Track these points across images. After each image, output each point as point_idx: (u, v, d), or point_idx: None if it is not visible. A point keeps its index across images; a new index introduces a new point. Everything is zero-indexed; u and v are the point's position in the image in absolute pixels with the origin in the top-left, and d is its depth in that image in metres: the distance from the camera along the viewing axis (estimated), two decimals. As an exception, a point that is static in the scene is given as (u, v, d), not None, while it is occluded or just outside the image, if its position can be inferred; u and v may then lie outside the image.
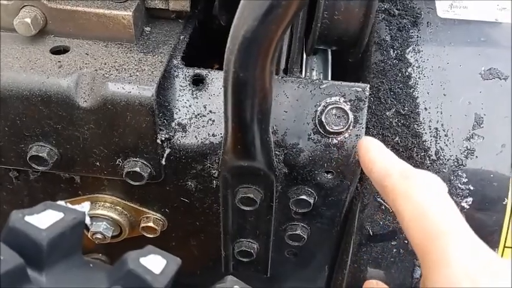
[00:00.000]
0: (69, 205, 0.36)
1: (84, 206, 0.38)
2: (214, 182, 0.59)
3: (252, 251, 0.65)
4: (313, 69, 0.77)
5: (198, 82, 0.57)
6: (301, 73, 0.72)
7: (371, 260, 0.60)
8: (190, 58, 0.59)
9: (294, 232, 0.63)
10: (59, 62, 0.52)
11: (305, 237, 0.63)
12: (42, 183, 0.63)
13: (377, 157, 0.47)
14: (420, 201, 0.40)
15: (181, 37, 0.60)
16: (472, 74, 0.58)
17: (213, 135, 0.56)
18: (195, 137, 0.56)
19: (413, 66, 0.59)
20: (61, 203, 0.36)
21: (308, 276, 0.72)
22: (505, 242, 0.57)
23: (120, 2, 0.55)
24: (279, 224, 0.63)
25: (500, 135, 0.57)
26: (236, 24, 0.39)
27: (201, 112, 0.56)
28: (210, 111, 0.56)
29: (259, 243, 0.65)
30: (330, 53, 0.75)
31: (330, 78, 0.73)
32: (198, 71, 0.57)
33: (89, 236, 0.64)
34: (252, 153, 0.50)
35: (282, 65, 0.62)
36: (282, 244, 0.65)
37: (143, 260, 0.34)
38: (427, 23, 0.62)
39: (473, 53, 0.60)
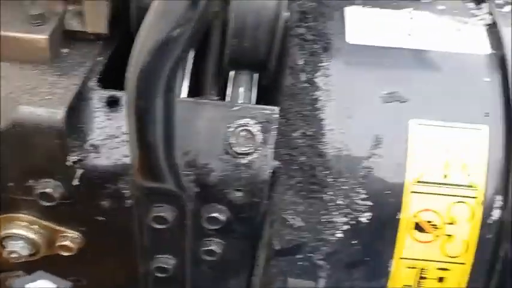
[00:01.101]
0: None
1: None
2: (127, 201, 0.65)
3: (169, 267, 0.71)
4: (241, 87, 0.84)
5: (113, 103, 0.63)
6: (227, 90, 0.79)
7: (278, 273, 0.67)
8: (110, 79, 0.66)
9: (209, 248, 0.69)
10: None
11: (220, 252, 0.70)
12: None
13: None
14: None
15: (99, 58, 0.66)
16: (374, 98, 0.67)
17: (126, 156, 0.62)
18: (108, 157, 0.62)
19: (322, 89, 0.68)
20: None
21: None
22: (400, 253, 0.67)
23: (37, 25, 0.60)
24: (195, 240, 0.70)
25: (396, 155, 0.66)
26: (133, 57, 0.46)
27: (115, 133, 0.62)
28: (124, 133, 0.62)
29: (175, 259, 0.71)
30: (255, 83, 0.83)
31: (254, 100, 0.81)
32: (113, 92, 0.63)
33: (4, 254, 0.69)
34: (159, 176, 0.57)
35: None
36: (198, 259, 0.72)
37: (31, 285, 0.38)
38: (337, 48, 0.71)
39: (377, 77, 0.69)
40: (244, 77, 0.83)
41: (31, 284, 0.38)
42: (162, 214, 0.63)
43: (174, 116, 0.52)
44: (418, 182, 0.65)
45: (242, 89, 0.85)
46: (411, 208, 0.65)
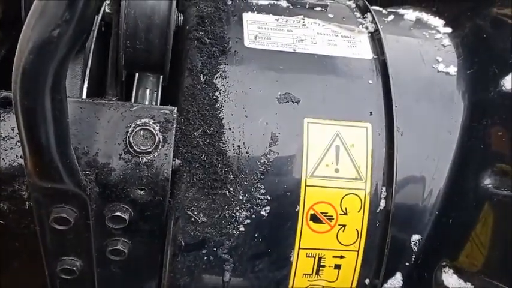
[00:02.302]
0: None
1: None
2: (27, 203, 0.60)
3: (75, 268, 0.66)
4: (147, 88, 0.81)
5: (6, 105, 0.58)
6: (132, 92, 0.76)
7: (185, 269, 0.65)
8: (2, 80, 0.60)
9: (115, 247, 0.66)
10: None
11: (125, 251, 0.66)
12: None
13: None
14: None
15: (-8, 60, 0.60)
16: (269, 98, 0.67)
17: (21, 157, 0.57)
18: (3, 159, 0.57)
19: (220, 90, 0.67)
20: None
21: (138, 288, 0.76)
22: (300, 243, 0.67)
23: None
24: (100, 240, 0.66)
25: (291, 151, 0.66)
26: (17, 56, 0.42)
27: (9, 134, 0.57)
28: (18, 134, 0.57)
29: (81, 260, 0.67)
30: (160, 84, 0.80)
31: (159, 96, 0.78)
32: (5, 93, 0.58)
33: None
34: (54, 176, 0.53)
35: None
36: (105, 260, 0.68)
37: None
38: (235, 51, 0.70)
39: (272, 79, 0.69)
40: (150, 78, 0.81)
41: None
42: (62, 215, 0.58)
43: (65, 116, 0.48)
44: (313, 176, 0.66)
45: (148, 90, 0.82)
46: (308, 201, 0.65)
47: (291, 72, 0.70)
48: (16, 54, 0.42)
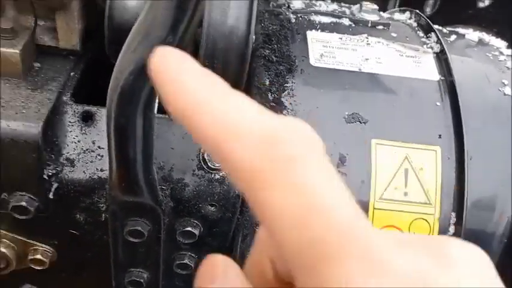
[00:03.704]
0: None
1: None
2: (103, 215, 0.61)
3: (142, 280, 0.68)
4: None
5: (87, 118, 0.60)
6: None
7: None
8: (83, 94, 0.62)
9: (182, 261, 0.67)
10: None
11: (192, 266, 0.67)
12: None
13: (206, 91, 0.24)
14: (306, 188, 0.22)
15: (72, 73, 0.62)
16: (337, 118, 0.67)
17: (101, 170, 0.59)
18: (84, 171, 0.59)
19: (288, 109, 0.67)
20: None
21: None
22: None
23: (8, 39, 0.56)
24: (168, 253, 0.67)
25: (360, 173, 0.66)
26: (115, 76, 0.44)
27: (90, 147, 0.59)
28: (99, 147, 0.59)
29: (149, 272, 0.68)
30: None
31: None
32: (87, 107, 0.60)
33: (-29, 270, 0.63)
34: (137, 190, 0.54)
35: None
36: (172, 273, 0.69)
37: None
38: (301, 70, 0.70)
39: (339, 98, 0.69)
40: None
41: None
42: (137, 228, 0.60)
43: (152, 132, 0.49)
44: (381, 199, 0.65)
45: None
46: (376, 224, 0.65)
47: (358, 92, 0.70)
48: (114, 74, 0.44)
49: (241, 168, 0.22)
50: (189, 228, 0.62)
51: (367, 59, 0.74)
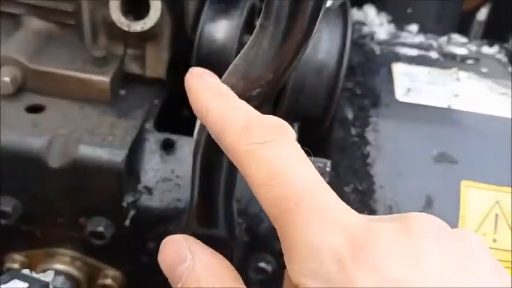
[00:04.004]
0: (34, 274, 0.37)
1: (48, 275, 0.40)
2: (176, 244, 0.60)
3: (209, 313, 0.66)
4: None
5: (168, 147, 0.60)
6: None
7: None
8: (164, 121, 0.62)
9: (251, 297, 0.65)
10: (33, 121, 0.54)
11: (262, 302, 0.65)
12: (0, 233, 0.63)
13: (214, 99, 0.35)
14: (269, 161, 0.31)
15: (155, 101, 0.63)
16: (424, 156, 0.63)
17: (178, 200, 0.58)
18: (161, 200, 0.58)
19: (372, 145, 0.64)
20: (26, 272, 0.37)
21: None
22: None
23: (100, 67, 0.58)
24: (237, 287, 0.65)
25: (447, 216, 0.61)
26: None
27: (168, 176, 0.59)
28: (177, 176, 0.59)
29: (216, 305, 0.66)
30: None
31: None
32: (168, 136, 0.60)
33: (44, 290, 0.64)
34: (215, 223, 0.53)
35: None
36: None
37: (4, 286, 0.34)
38: (386, 104, 0.67)
39: (427, 136, 0.65)
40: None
41: (4, 286, 0.33)
42: (209, 261, 0.58)
43: (237, 170, 0.48)
44: (468, 244, 0.60)
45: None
46: (461, 272, 0.60)
47: (448, 130, 0.66)
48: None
49: (229, 152, 0.33)
50: (262, 264, 0.60)
51: (456, 95, 0.70)
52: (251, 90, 0.39)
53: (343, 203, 0.31)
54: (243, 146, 0.32)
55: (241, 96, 0.40)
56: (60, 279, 0.64)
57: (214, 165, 0.46)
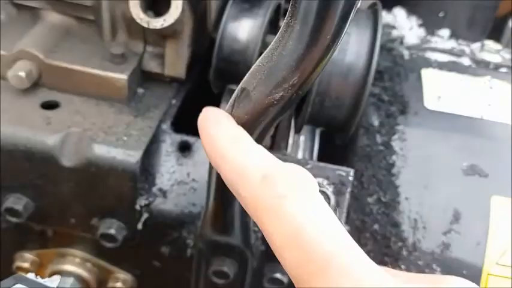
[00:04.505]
0: (39, 279, 0.36)
1: (54, 281, 0.38)
2: (188, 250, 0.59)
3: (221, 323, 0.64)
4: (301, 135, 0.79)
5: (184, 149, 0.58)
6: (287, 147, 0.74)
7: None
8: (181, 122, 0.61)
9: (266, 309, 0.62)
10: (48, 118, 0.53)
11: (276, 314, 0.62)
12: (12, 232, 0.62)
13: (228, 146, 0.33)
14: (293, 218, 0.29)
15: (173, 101, 0.61)
16: (453, 168, 0.61)
17: (193, 204, 0.56)
18: (175, 204, 0.56)
19: (398, 154, 0.61)
20: (31, 276, 0.36)
21: None
22: None
23: (117, 64, 0.56)
24: (252, 299, 0.63)
25: (476, 232, 0.58)
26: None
27: (184, 179, 0.57)
28: (193, 180, 0.57)
29: (229, 316, 0.64)
30: (317, 137, 0.77)
31: (315, 154, 0.75)
32: (185, 137, 0.58)
33: (53, 291, 0.63)
34: (230, 230, 0.51)
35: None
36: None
37: None
38: (415, 112, 0.64)
39: (457, 147, 0.62)
40: (307, 134, 0.78)
41: None
42: (223, 268, 0.56)
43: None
44: (498, 264, 0.57)
45: (302, 138, 0.79)
46: (489, 292, 0.57)
47: (479, 142, 0.63)
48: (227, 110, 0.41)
49: (247, 205, 0.31)
50: (277, 275, 0.58)
51: (489, 105, 0.67)
52: (274, 93, 0.37)
53: (373, 264, 0.30)
54: (262, 200, 0.30)
55: (263, 100, 0.38)
56: (70, 280, 0.63)
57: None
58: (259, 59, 0.37)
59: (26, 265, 0.63)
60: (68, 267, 0.63)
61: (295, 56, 0.34)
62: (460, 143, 0.63)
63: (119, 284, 0.64)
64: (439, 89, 0.68)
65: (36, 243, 0.62)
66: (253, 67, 0.38)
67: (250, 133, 0.40)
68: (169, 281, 0.63)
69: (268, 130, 0.41)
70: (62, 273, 0.63)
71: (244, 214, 0.49)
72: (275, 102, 0.38)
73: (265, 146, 0.64)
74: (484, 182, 0.60)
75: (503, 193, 0.60)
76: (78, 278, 0.63)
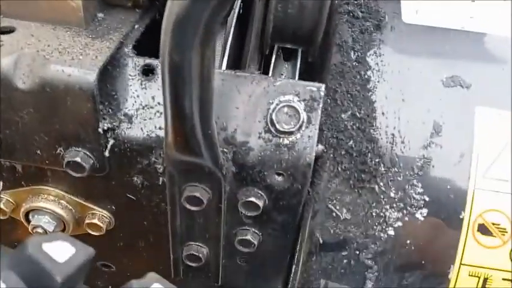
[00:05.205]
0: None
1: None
2: (160, 178, 0.57)
3: (201, 255, 0.63)
4: (282, 74, 0.77)
5: (148, 72, 0.56)
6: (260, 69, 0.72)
7: (321, 271, 0.58)
8: (145, 49, 0.59)
9: (244, 237, 0.61)
10: (0, 41, 0.51)
11: (255, 243, 0.61)
12: (-18, 170, 0.62)
13: None
14: None
15: (136, 26, 0.59)
16: (433, 81, 0.58)
17: (160, 128, 0.55)
18: (141, 129, 0.55)
19: (373, 69, 0.59)
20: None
21: (262, 287, 0.70)
22: (462, 259, 0.56)
23: (73, -14, 0.54)
24: (230, 228, 0.62)
25: (459, 145, 0.56)
26: (170, 4, 0.39)
27: (149, 103, 0.55)
28: (159, 103, 0.55)
29: (208, 247, 0.63)
30: (299, 59, 0.75)
31: (297, 70, 0.73)
32: (149, 60, 0.56)
33: (29, 229, 0.63)
34: (194, 147, 0.49)
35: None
36: (233, 250, 0.64)
37: (47, 246, 0.32)
38: (391, 27, 0.62)
39: (436, 60, 0.60)
40: (288, 66, 0.76)
41: (48, 245, 0.31)
42: (196, 194, 0.55)
43: (212, 77, 0.44)
44: (484, 177, 0.55)
45: (283, 77, 0.77)
46: (475, 207, 0.55)
47: (460, 53, 0.60)
48: (169, 1, 0.39)
49: None
50: (252, 199, 0.57)
51: (471, 17, 0.64)
52: None
53: None
54: None
55: None
56: (45, 218, 0.63)
57: (183, 70, 0.42)
58: None
59: (0, 206, 0.63)
60: (42, 204, 0.62)
61: None
62: (440, 55, 0.60)
63: (95, 221, 0.63)
64: (417, 3, 0.65)
65: (7, 181, 0.62)
66: None
67: (195, 21, 0.38)
68: (145, 213, 0.62)
69: (214, 20, 0.39)
70: (37, 212, 0.63)
71: (206, 125, 0.48)
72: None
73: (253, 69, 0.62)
74: (466, 93, 0.58)
75: (488, 103, 0.57)
76: (53, 216, 0.63)
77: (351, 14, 0.62)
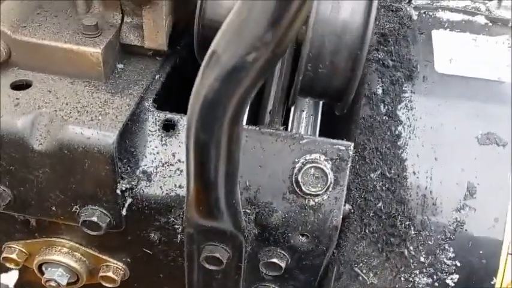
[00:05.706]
0: None
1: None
2: (179, 236, 0.56)
3: (219, 310, 0.61)
4: (303, 111, 0.74)
5: (169, 127, 0.54)
6: (289, 115, 0.69)
7: (344, 334, 0.56)
8: (166, 99, 0.57)
9: (264, 294, 0.59)
10: (17, 99, 0.50)
11: (276, 300, 0.59)
12: (-4, 222, 0.60)
13: None
14: None
15: (157, 76, 0.57)
16: (467, 138, 0.56)
17: (180, 186, 0.53)
18: (160, 187, 0.53)
19: (404, 124, 0.57)
20: None
21: None
22: (494, 326, 0.54)
23: (91, 37, 0.53)
24: (249, 284, 0.60)
25: (493, 208, 0.53)
26: (199, 82, 0.37)
27: (169, 161, 0.54)
28: (179, 161, 0.53)
29: (226, 302, 0.62)
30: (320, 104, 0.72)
31: (319, 122, 0.71)
32: (169, 115, 0.54)
33: (42, 282, 0.61)
34: (216, 215, 0.47)
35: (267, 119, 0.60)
36: (252, 305, 0.62)
37: None
38: (423, 77, 0.59)
39: (471, 114, 0.57)
40: (306, 100, 0.73)
41: None
42: (215, 254, 0.53)
43: (239, 152, 0.42)
44: (518, 242, 0.53)
45: (304, 113, 0.75)
46: (509, 273, 0.52)
47: (496, 107, 0.58)
48: (198, 79, 0.37)
49: None
50: (274, 260, 0.55)
51: (508, 66, 0.61)
52: (245, 54, 0.33)
53: None
54: None
55: (234, 63, 0.34)
56: (59, 271, 0.61)
57: (210, 148, 0.40)
58: (230, 14, 0.33)
59: (13, 256, 0.61)
60: (55, 257, 0.60)
61: (267, 7, 0.30)
62: (475, 108, 0.57)
63: (110, 273, 0.61)
64: (451, 51, 0.62)
65: (21, 234, 0.60)
66: (223, 24, 0.34)
67: (224, 102, 0.36)
68: (161, 267, 0.61)
69: (245, 99, 0.37)
70: (51, 265, 0.61)
71: (230, 196, 0.46)
72: (247, 66, 0.34)
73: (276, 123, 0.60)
74: (501, 152, 0.55)
75: (524, 163, 0.55)
76: (67, 269, 0.61)
77: (381, 63, 0.60)
